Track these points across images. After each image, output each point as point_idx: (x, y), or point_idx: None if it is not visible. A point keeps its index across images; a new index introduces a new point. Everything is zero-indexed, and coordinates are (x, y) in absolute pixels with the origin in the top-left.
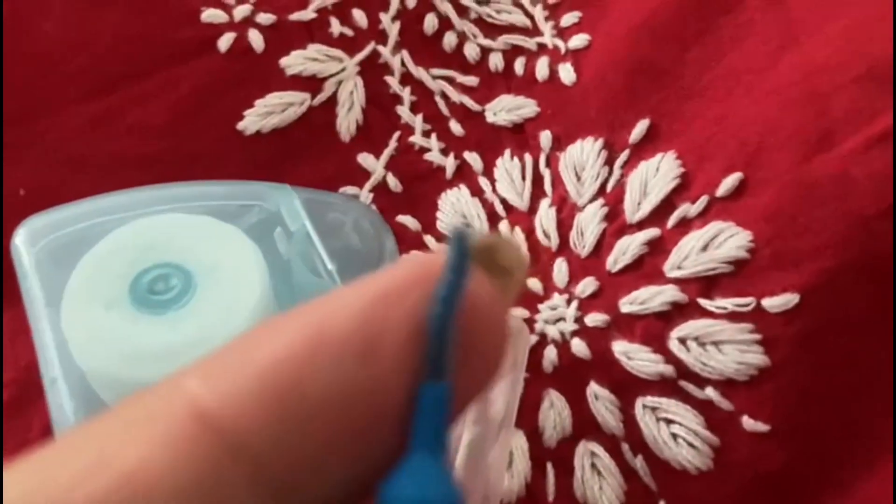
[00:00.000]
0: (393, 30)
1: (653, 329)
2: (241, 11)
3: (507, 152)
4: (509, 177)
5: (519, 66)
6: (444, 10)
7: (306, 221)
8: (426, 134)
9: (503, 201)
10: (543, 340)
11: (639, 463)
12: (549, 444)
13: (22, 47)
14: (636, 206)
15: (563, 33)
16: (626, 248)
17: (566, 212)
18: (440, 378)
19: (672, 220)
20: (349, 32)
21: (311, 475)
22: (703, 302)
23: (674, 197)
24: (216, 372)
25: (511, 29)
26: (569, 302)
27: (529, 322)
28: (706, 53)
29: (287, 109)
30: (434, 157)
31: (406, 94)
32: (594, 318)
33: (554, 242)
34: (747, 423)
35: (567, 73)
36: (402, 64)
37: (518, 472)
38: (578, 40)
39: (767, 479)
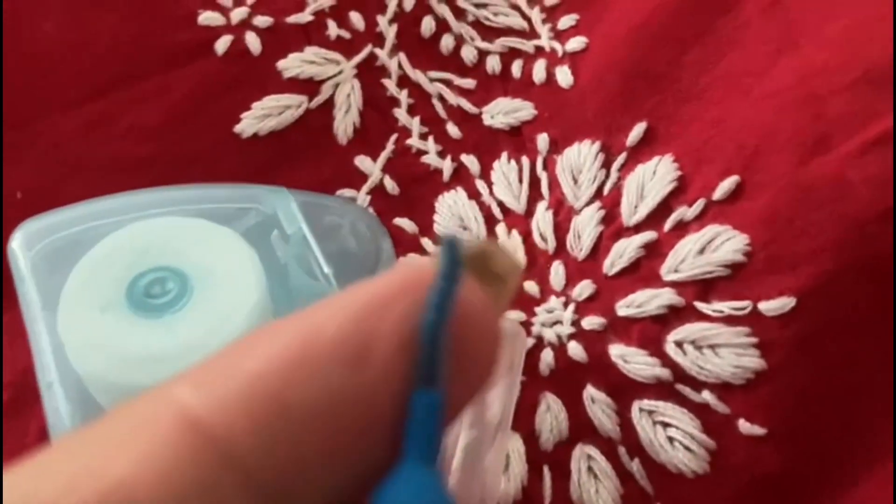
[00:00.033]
0: (390, 32)
1: (649, 332)
2: (237, 14)
3: (504, 155)
4: (506, 179)
5: (516, 68)
6: (441, 13)
7: (303, 224)
8: (423, 136)
9: (500, 204)
10: (540, 343)
11: (635, 466)
12: (546, 448)
13: (19, 50)
14: (633, 209)
15: (560, 36)
16: (623, 252)
17: (563, 215)
18: (432, 386)
19: (669, 224)
20: (346, 35)
21: (303, 483)
22: (699, 305)
23: (671, 200)
24: (207, 380)
25: (508, 31)
26: (566, 305)
27: (526, 325)
28: (703, 56)
29: (284, 112)
30: (431, 159)
31: (403, 96)
32: (591, 322)
33: (551, 245)
34: (744, 426)
35: (564, 76)
36: (400, 66)
37: (514, 476)
38: (575, 43)
39: (764, 483)
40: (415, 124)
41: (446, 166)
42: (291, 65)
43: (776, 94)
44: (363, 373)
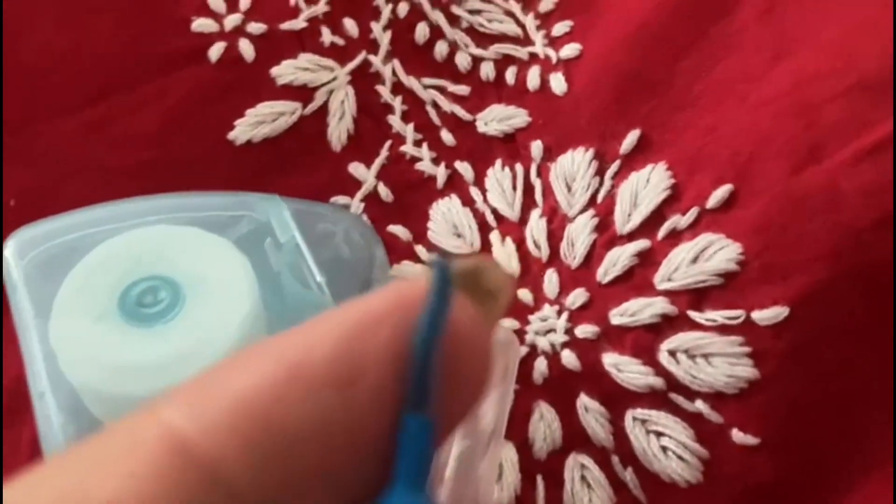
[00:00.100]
0: (384, 39)
1: (643, 341)
2: (231, 21)
3: (499, 162)
4: (500, 187)
5: (510, 75)
6: (435, 20)
7: (296, 232)
8: (417, 143)
9: (494, 211)
10: (534, 352)
11: (628, 475)
12: (539, 457)
13: (13, 56)
14: (626, 217)
15: (554, 43)
16: (617, 260)
17: (557, 222)
18: (423, 409)
19: (662, 232)
20: (340, 42)
21: None
22: (692, 314)
23: (664, 208)
24: (195, 400)
25: (502, 38)
26: (559, 313)
27: (520, 333)
28: (697, 63)
29: (278, 119)
30: (425, 166)
31: (397, 103)
32: (584, 330)
33: (544, 253)
34: (737, 436)
35: (558, 83)
36: (394, 73)
37: (508, 485)
38: (570, 50)
39: (757, 493)
40: (409, 131)
41: (440, 173)
42: (285, 71)
43: (770, 101)
44: (354, 393)
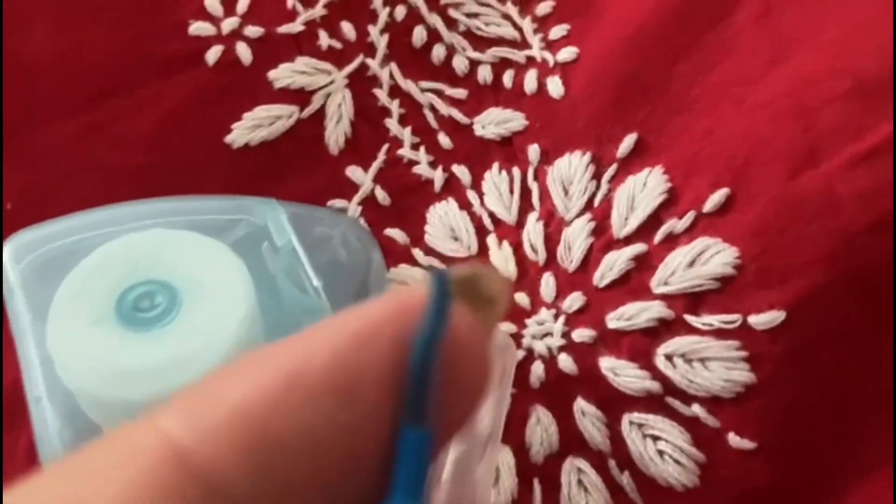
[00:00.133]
0: (381, 42)
1: (639, 345)
2: (228, 24)
3: (496, 165)
4: (497, 190)
5: (507, 78)
6: (432, 23)
7: (292, 236)
8: (415, 147)
9: (491, 215)
10: (530, 356)
11: (625, 479)
12: (536, 460)
13: (10, 59)
14: (623, 220)
15: (551, 46)
16: (613, 264)
17: (554, 226)
18: (420, 422)
19: (659, 236)
20: (337, 45)
21: None
22: (689, 318)
23: (661, 212)
24: (192, 409)
25: (500, 42)
26: (556, 317)
27: (516, 337)
28: (694, 67)
29: (275, 122)
30: (422, 170)
31: (394, 106)
32: (581, 334)
33: (541, 257)
34: (733, 440)
35: (555, 87)
36: (391, 77)
37: (505, 489)
38: (567, 53)
39: (754, 497)
40: (406, 134)
41: (438, 177)
42: (282, 75)
43: (767, 105)
44: (353, 404)
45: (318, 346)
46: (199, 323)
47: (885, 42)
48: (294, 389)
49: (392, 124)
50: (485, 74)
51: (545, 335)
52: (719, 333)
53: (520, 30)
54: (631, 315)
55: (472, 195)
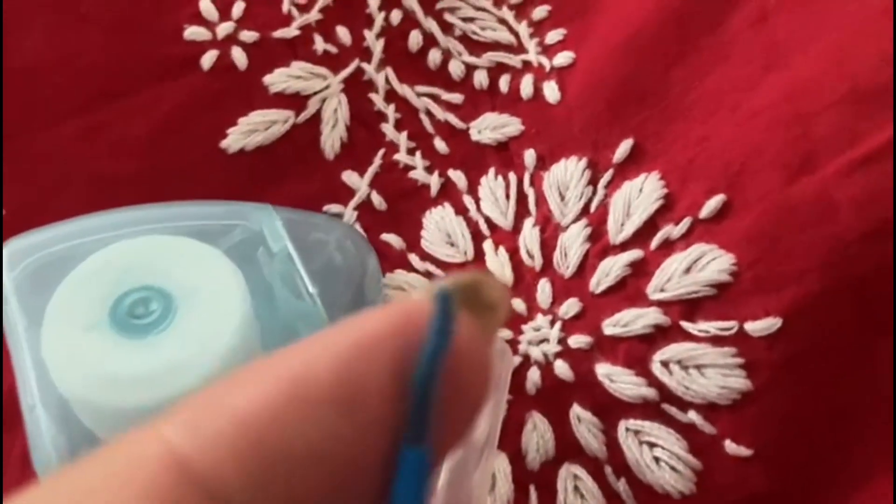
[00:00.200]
0: (377, 47)
1: (635, 352)
2: (224, 29)
3: (492, 171)
4: (493, 195)
5: (503, 83)
6: (428, 27)
7: (288, 242)
8: (411, 151)
9: (487, 220)
10: (527, 362)
11: (621, 486)
12: (532, 467)
13: (4, 65)
14: (619, 226)
15: (547, 51)
16: (610, 270)
17: (550, 231)
18: (421, 441)
19: (655, 242)
20: (333, 50)
21: None
22: (685, 325)
23: (657, 218)
24: (194, 419)
25: (496, 46)
26: (552, 323)
27: (513, 343)
28: (690, 73)
29: (271, 127)
30: (419, 174)
31: (391, 111)
32: (577, 340)
33: (538, 262)
34: (730, 447)
35: (551, 92)
36: (387, 81)
37: (501, 495)
38: (563, 58)
39: None
40: (402, 139)
41: (434, 182)
42: (278, 80)
43: (762, 111)
44: (354, 415)
45: (320, 356)
46: (195, 329)
47: (881, 49)
48: (296, 400)
49: (388, 129)
50: (481, 79)
51: (541, 341)
52: (715, 340)
53: (516, 34)
54: (627, 321)
55: (468, 200)
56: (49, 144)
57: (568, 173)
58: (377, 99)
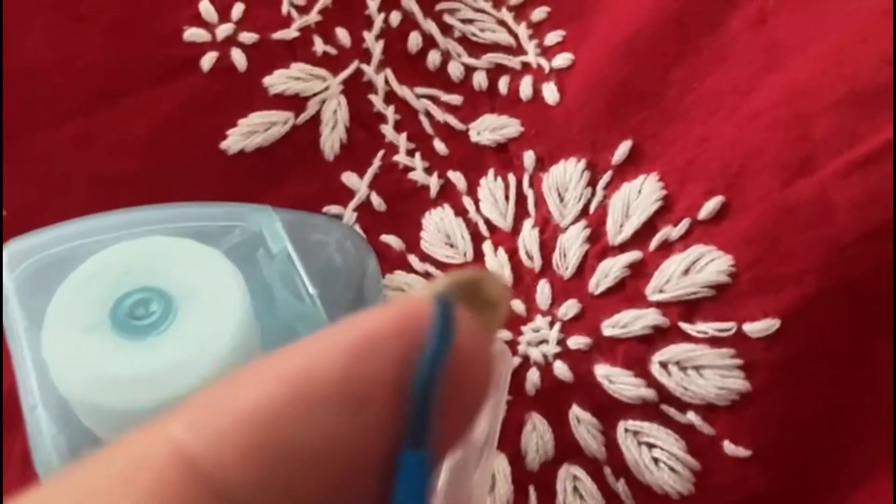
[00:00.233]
0: (376, 48)
1: (634, 353)
2: (223, 30)
3: (491, 172)
4: (493, 197)
5: (503, 85)
6: (427, 29)
7: (287, 243)
8: (410, 153)
9: (487, 221)
10: (526, 363)
11: (620, 487)
12: (532, 468)
13: (4, 66)
14: (618, 228)
15: (546, 52)
16: (609, 271)
17: (549, 233)
18: (422, 445)
19: (654, 243)
20: (332, 51)
21: None
22: (684, 326)
23: (656, 219)
24: (200, 417)
25: (495, 48)
26: (551, 324)
27: (512, 344)
28: (689, 74)
29: (270, 128)
30: (418, 175)
31: (390, 112)
32: (576, 341)
33: (537, 264)
34: (728, 447)
35: (551, 93)
36: (386, 82)
37: (500, 496)
38: (562, 60)
39: None
40: (402, 140)
41: (433, 183)
42: (277, 81)
43: (761, 113)
44: (358, 413)
45: (323, 354)
46: (195, 330)
47: (880, 50)
48: (299, 398)
49: (387, 130)
50: (480, 80)
51: (541, 342)
52: (714, 341)
53: (515, 36)
54: (626, 322)
55: (467, 201)
56: (49, 145)
57: (567, 175)
58: (376, 100)
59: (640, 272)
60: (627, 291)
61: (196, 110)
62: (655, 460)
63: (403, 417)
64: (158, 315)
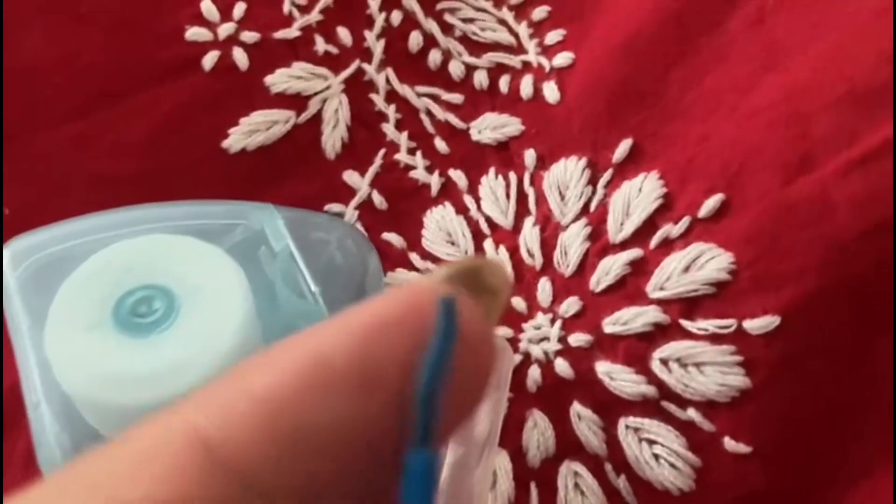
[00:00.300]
0: (377, 47)
1: (635, 350)
2: (225, 30)
3: (492, 170)
4: (494, 195)
5: (503, 83)
6: (428, 28)
7: (289, 241)
8: (411, 151)
9: (488, 219)
10: (527, 360)
11: (621, 483)
12: (533, 464)
13: (5, 66)
14: (619, 226)
15: (547, 51)
16: (609, 269)
17: (550, 231)
18: (428, 444)
19: (654, 241)
20: (334, 50)
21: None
22: (684, 323)
23: (656, 217)
24: (215, 402)
25: (495, 47)
26: (553, 321)
27: (513, 341)
28: (689, 73)
29: (272, 127)
30: (419, 174)
31: (391, 111)
32: (577, 338)
33: (538, 261)
34: (729, 444)
35: (551, 92)
36: (387, 81)
37: (501, 493)
38: (562, 58)
39: (749, 501)
40: (403, 139)
41: (434, 181)
42: (279, 80)
43: (761, 111)
44: (372, 396)
45: (334, 339)
46: (197, 328)
47: (879, 48)
48: (312, 380)
49: (389, 129)
50: (481, 79)
51: (542, 339)
52: (714, 338)
53: (516, 35)
54: (627, 320)
55: (468, 200)
56: (49, 145)
57: (568, 173)
58: (378, 99)
59: (640, 270)
60: (628, 289)
61: (198, 109)
62: (656, 457)
63: (412, 404)
64: (161, 313)
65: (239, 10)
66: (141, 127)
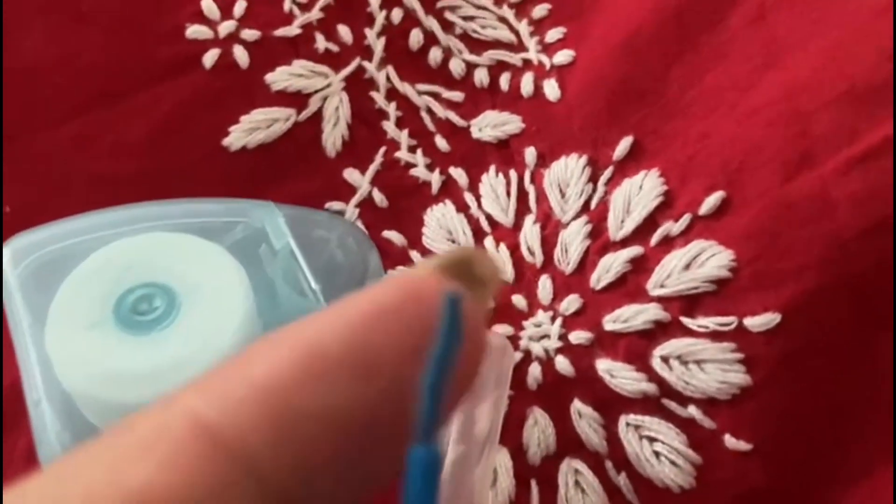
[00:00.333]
0: (378, 45)
1: (636, 347)
2: (225, 28)
3: (493, 168)
4: (494, 193)
5: (504, 81)
6: (429, 26)
7: (290, 239)
8: (412, 149)
9: (488, 217)
10: (528, 357)
11: (622, 481)
12: (533, 462)
13: (5, 65)
14: (620, 223)
15: (547, 49)
16: (610, 266)
17: (550, 228)
18: (431, 440)
19: (655, 238)
20: (334, 48)
21: (314, 492)
22: (685, 320)
23: (657, 215)
24: (216, 388)
25: (496, 44)
26: (553, 319)
27: (514, 339)
28: (689, 71)
29: (272, 125)
30: (420, 172)
31: (392, 109)
32: (578, 336)
33: (538, 259)
34: (729, 441)
35: (552, 90)
36: (388, 79)
37: (502, 490)
38: (563, 56)
39: (749, 498)
40: (403, 137)
41: (435, 179)
42: (279, 78)
43: (761, 109)
44: (370, 383)
45: (334, 325)
46: (198, 326)
47: (880, 46)
48: (312, 366)
49: (389, 127)
50: (481, 77)
51: (542, 337)
52: (715, 335)
53: (516, 33)
54: (627, 317)
55: (469, 197)
56: (49, 144)
57: (568, 171)
58: (378, 97)
59: (641, 267)
60: (629, 286)
61: (198, 107)
62: (657, 454)
63: (413, 396)
64: (161, 311)
65: (239, 8)
66: (141, 126)
